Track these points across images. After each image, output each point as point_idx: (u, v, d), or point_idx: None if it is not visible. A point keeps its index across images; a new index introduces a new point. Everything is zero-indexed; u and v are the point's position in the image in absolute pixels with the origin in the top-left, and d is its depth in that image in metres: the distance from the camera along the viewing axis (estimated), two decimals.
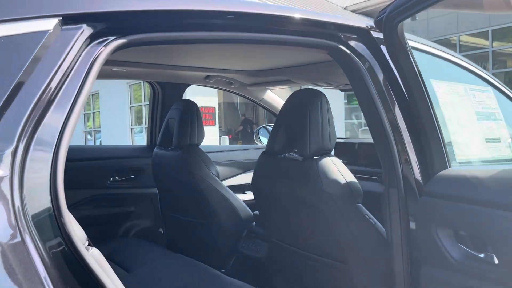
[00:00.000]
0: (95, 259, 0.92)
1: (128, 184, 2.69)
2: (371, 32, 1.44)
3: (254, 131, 3.45)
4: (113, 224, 2.65)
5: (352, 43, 1.43)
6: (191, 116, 2.28)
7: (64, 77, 0.90)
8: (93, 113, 16.97)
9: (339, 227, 1.56)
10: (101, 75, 2.41)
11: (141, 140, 13.62)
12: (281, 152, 1.77)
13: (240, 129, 15.16)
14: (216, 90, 12.43)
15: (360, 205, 1.60)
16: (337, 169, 1.59)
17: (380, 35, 1.38)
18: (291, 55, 2.14)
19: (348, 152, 2.78)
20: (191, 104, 2.30)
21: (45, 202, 0.83)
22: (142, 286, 1.81)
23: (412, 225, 1.38)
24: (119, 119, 14.65)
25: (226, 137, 11.39)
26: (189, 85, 2.75)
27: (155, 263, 2.05)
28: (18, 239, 0.77)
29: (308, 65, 2.28)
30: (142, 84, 13.55)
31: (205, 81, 2.68)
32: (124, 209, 2.67)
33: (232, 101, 16.06)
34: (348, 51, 1.43)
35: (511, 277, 1.09)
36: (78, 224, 1.00)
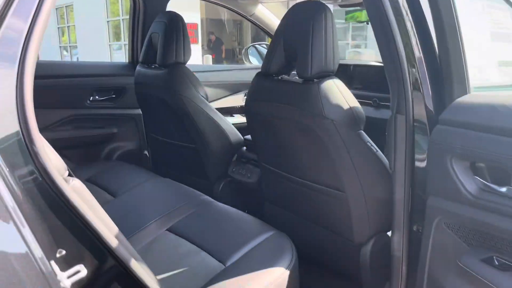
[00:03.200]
0: (77, 191, 0.80)
1: (109, 104, 2.51)
2: None
3: (243, 50, 3.23)
4: (94, 146, 2.52)
5: None
6: (177, 30, 2.06)
7: None
8: (68, 27, 16.03)
9: (339, 155, 1.47)
10: None
11: (121, 57, 13.01)
12: (278, 73, 1.62)
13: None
14: (198, 4, 11.68)
15: (362, 132, 1.49)
16: (340, 93, 1.45)
17: None
18: None
19: (341, 74, 2.63)
20: (176, 17, 2.07)
21: (12, 127, 0.69)
22: (128, 211, 1.73)
23: (420, 155, 1.29)
24: (96, 34, 13.85)
25: (210, 56, 10.75)
26: None
27: (142, 187, 1.96)
28: None
29: None
30: None
31: None
32: (106, 130, 2.52)
33: (218, 17, 15.13)
34: None
35: None
36: (55, 152, 0.86)
